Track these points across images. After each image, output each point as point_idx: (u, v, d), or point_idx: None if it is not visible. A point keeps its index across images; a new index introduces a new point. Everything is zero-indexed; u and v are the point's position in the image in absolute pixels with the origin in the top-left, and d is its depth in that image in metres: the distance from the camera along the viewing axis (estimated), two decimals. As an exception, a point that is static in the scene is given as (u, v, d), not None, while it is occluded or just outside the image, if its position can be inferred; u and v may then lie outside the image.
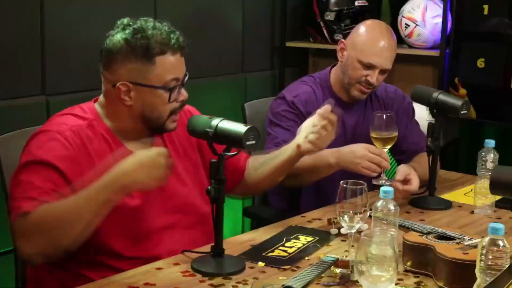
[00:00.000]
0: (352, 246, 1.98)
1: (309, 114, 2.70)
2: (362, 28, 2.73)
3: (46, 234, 1.83)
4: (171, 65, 2.01)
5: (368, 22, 2.77)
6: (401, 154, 2.85)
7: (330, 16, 4.03)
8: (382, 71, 2.69)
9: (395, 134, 2.50)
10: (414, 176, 2.50)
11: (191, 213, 2.15)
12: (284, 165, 2.31)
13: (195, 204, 2.16)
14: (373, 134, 2.51)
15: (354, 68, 2.69)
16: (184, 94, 2.08)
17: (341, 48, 2.77)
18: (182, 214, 2.13)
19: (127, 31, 2.00)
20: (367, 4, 4.07)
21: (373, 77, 2.67)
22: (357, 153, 2.44)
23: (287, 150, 2.29)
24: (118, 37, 2.00)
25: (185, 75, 2.08)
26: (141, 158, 1.86)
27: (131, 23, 2.02)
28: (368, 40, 2.69)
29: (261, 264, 1.98)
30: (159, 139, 2.15)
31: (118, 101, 2.03)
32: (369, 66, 2.67)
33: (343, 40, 2.79)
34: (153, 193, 2.04)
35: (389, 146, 2.52)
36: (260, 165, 2.34)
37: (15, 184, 1.94)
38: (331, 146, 2.41)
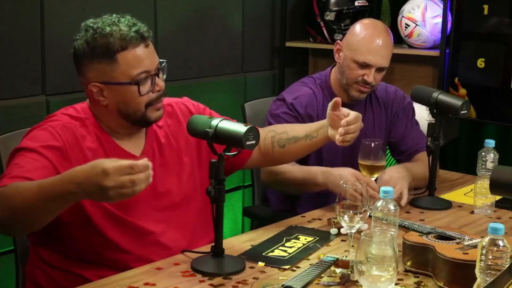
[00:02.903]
0: (352, 246, 1.98)
1: (308, 116, 2.70)
2: (357, 28, 2.72)
3: (6, 208, 1.76)
4: (134, 60, 1.99)
5: (364, 21, 2.77)
6: (401, 154, 2.85)
7: (330, 16, 4.03)
8: (379, 70, 2.68)
9: (383, 163, 2.41)
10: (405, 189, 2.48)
11: (185, 209, 2.15)
12: (315, 146, 2.33)
13: (188, 199, 2.16)
14: (360, 162, 2.41)
15: (350, 68, 2.69)
16: (160, 84, 2.05)
17: (337, 49, 2.76)
18: (175, 210, 2.13)
19: (88, 33, 2.00)
20: (367, 4, 4.06)
21: (370, 76, 2.67)
22: (345, 178, 2.35)
23: (315, 132, 2.28)
24: (81, 40, 2.01)
25: (160, 63, 2.05)
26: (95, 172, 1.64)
27: (91, 24, 2.02)
28: (362, 39, 2.68)
29: (261, 264, 1.98)
30: (151, 134, 2.14)
31: (96, 102, 2.04)
32: (364, 65, 2.66)
33: (339, 41, 2.78)
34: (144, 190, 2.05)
35: (376, 175, 2.42)
36: (287, 141, 2.32)
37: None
38: (331, 145, 2.40)
